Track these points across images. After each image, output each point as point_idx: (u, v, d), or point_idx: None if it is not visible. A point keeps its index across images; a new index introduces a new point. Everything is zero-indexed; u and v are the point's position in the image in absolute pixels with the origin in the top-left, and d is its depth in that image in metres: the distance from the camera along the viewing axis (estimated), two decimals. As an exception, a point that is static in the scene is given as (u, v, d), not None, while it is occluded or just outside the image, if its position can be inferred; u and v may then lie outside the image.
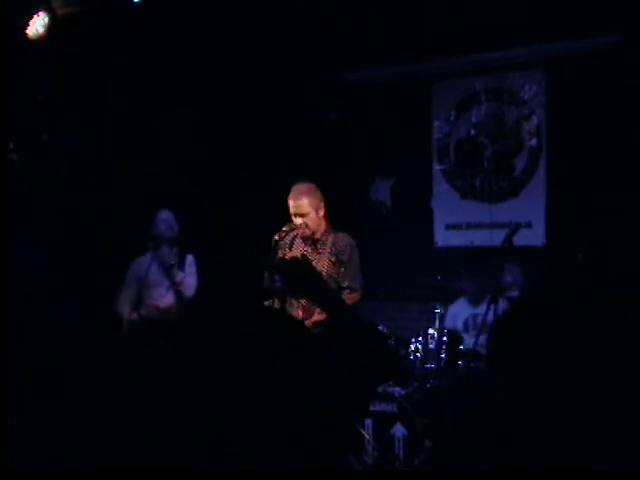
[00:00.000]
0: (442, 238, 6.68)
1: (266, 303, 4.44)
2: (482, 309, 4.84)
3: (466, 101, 6.53)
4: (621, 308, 1.45)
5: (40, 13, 5.51)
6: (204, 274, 5.48)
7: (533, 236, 6.14)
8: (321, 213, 4.57)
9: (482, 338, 4.71)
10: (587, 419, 1.33)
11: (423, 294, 6.23)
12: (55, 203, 5.89)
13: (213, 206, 6.47)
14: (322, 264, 4.53)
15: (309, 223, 4.52)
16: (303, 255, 4.54)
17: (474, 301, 5.55)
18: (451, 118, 6.61)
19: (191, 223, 5.60)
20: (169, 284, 5.35)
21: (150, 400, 1.40)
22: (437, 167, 6.70)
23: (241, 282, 5.07)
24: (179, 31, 5.87)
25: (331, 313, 4.42)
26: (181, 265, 5.40)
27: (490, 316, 4.37)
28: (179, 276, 5.37)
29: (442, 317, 5.30)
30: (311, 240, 4.59)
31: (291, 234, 4.63)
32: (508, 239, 4.58)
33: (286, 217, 4.58)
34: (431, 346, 4.88)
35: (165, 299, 5.34)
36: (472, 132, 6.52)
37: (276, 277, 4.36)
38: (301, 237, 4.64)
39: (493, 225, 6.27)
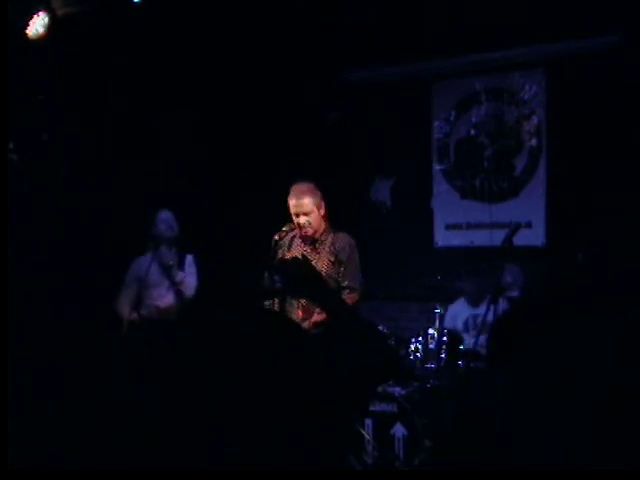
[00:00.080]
0: (442, 238, 6.68)
1: (266, 303, 4.44)
2: (482, 309, 4.85)
3: (466, 101, 6.53)
4: (621, 308, 1.45)
5: (40, 13, 5.51)
6: (204, 274, 5.48)
7: (533, 236, 6.14)
8: (322, 212, 4.57)
9: (482, 338, 4.71)
10: (587, 419, 1.33)
11: (423, 294, 6.23)
12: (55, 203, 5.89)
13: (213, 206, 6.47)
14: (321, 264, 4.53)
15: (312, 222, 4.53)
16: (303, 255, 4.54)
17: (474, 301, 5.55)
18: (451, 118, 6.61)
19: (191, 223, 5.60)
20: (169, 284, 5.35)
21: (150, 400, 1.40)
22: (437, 167, 6.70)
23: (241, 282, 5.07)
24: (179, 31, 5.88)
25: (331, 313, 4.42)
26: (181, 265, 5.40)
27: (490, 316, 4.37)
28: (179, 276, 5.38)
29: (442, 317, 5.30)
30: (310, 240, 4.59)
31: (290, 234, 4.63)
32: (508, 239, 4.58)
33: (286, 217, 4.58)
34: (431, 346, 4.88)
35: (165, 299, 5.34)
36: (472, 132, 6.52)
37: (276, 277, 4.36)
38: (300, 237, 4.64)
39: (493, 225, 6.27)
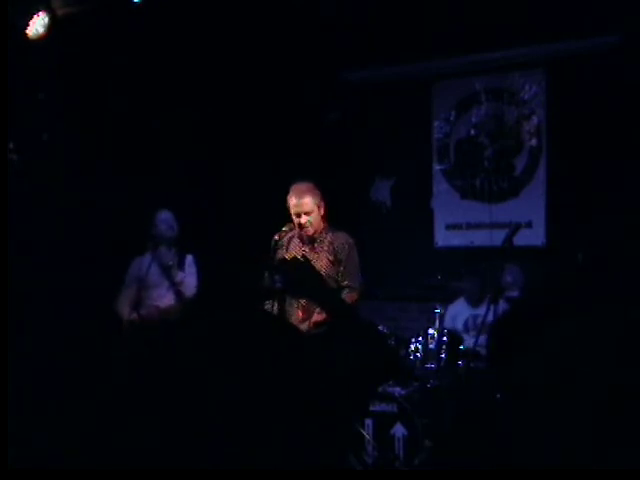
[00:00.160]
0: (442, 238, 6.68)
1: (266, 303, 4.44)
2: (482, 309, 4.85)
3: (466, 101, 6.53)
4: (621, 308, 1.45)
5: (40, 13, 5.51)
6: (204, 274, 5.48)
7: (533, 236, 6.15)
8: (322, 212, 4.57)
9: (482, 338, 4.71)
10: (587, 419, 1.33)
11: (423, 294, 6.23)
12: (55, 203, 5.88)
13: (213, 206, 6.47)
14: (320, 263, 4.52)
15: (312, 222, 4.53)
16: (303, 255, 4.54)
17: (474, 301, 5.55)
18: (451, 118, 6.61)
19: (191, 223, 5.60)
20: (169, 284, 5.35)
21: (150, 400, 1.40)
22: (437, 167, 6.70)
23: (241, 282, 5.07)
24: (179, 31, 5.87)
25: (331, 313, 4.42)
26: (181, 265, 5.40)
27: (490, 316, 4.37)
28: (179, 276, 5.37)
29: (442, 317, 5.30)
30: (309, 239, 4.59)
31: (289, 234, 4.63)
32: (508, 239, 4.58)
33: (286, 217, 4.58)
34: (431, 346, 4.88)
35: (165, 299, 5.34)
36: (472, 132, 6.52)
37: (276, 277, 4.36)
38: (298, 237, 4.64)
39: (493, 225, 6.27)
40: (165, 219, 5.41)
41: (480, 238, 6.39)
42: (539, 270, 5.61)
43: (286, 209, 4.58)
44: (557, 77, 6.11)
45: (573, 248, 5.51)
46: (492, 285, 4.63)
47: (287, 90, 6.45)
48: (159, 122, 6.33)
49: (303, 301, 4.52)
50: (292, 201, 4.54)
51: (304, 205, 4.51)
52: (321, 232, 4.60)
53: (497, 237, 5.34)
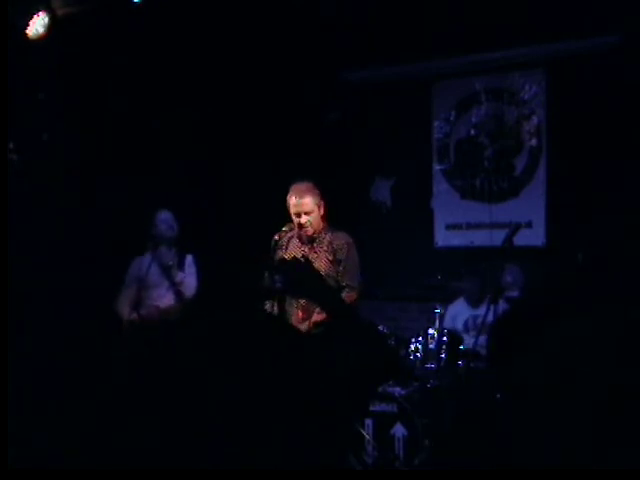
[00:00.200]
0: (442, 238, 6.68)
1: (267, 303, 4.44)
2: (482, 310, 4.85)
3: (466, 101, 6.53)
4: (621, 308, 1.45)
5: (40, 13, 5.51)
6: (204, 274, 5.48)
7: (533, 236, 6.14)
8: (322, 211, 4.57)
9: (482, 338, 4.71)
10: (587, 419, 1.33)
11: (423, 294, 6.23)
12: (55, 203, 5.88)
13: (213, 206, 6.47)
14: (319, 263, 4.52)
15: (312, 221, 4.53)
16: (303, 255, 4.54)
17: (474, 301, 5.55)
18: (451, 118, 6.61)
19: (191, 223, 5.60)
20: (169, 284, 5.34)
21: (150, 400, 1.40)
22: (437, 167, 6.70)
23: (241, 282, 5.07)
24: (179, 31, 5.87)
25: (331, 313, 4.42)
26: (181, 265, 5.39)
27: (490, 316, 4.37)
28: (179, 276, 5.37)
29: (442, 317, 5.30)
30: (308, 239, 4.59)
31: (289, 234, 4.63)
32: (508, 239, 4.58)
33: (286, 217, 4.58)
34: (431, 346, 4.88)
35: (165, 299, 5.34)
36: (472, 132, 6.52)
37: (276, 277, 4.36)
38: (297, 237, 4.64)
39: (493, 225, 6.27)
40: (165, 219, 5.41)
41: (480, 238, 6.39)
42: (539, 270, 5.62)
43: (286, 209, 4.58)
44: (557, 77, 6.10)
45: (573, 248, 5.51)
46: (492, 285, 4.62)
47: (287, 90, 6.45)
48: (159, 122, 6.32)
49: (303, 301, 4.52)
50: (292, 201, 4.54)
51: (304, 205, 4.51)
52: (320, 232, 4.60)
53: (497, 237, 5.34)
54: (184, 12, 5.74)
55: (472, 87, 6.49)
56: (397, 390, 4.63)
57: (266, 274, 4.46)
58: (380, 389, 4.64)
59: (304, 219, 4.51)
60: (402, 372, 4.80)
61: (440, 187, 6.69)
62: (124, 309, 5.28)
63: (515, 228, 4.71)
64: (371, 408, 4.58)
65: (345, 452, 4.25)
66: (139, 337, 5.11)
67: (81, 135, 6.13)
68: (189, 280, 5.41)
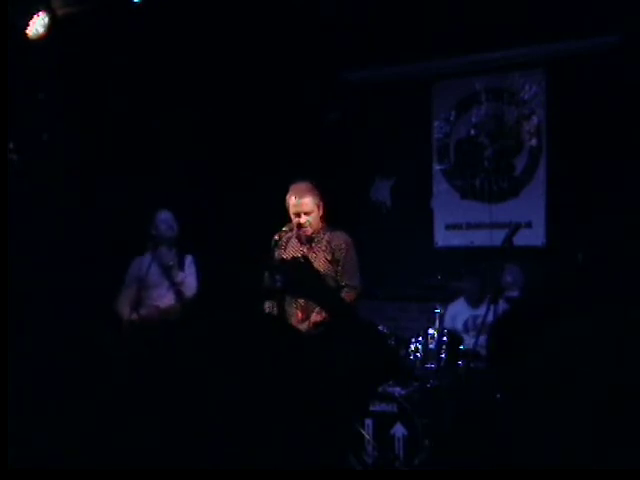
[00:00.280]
0: (442, 238, 6.68)
1: (266, 303, 4.44)
2: (482, 310, 4.85)
3: (466, 101, 6.53)
4: (621, 308, 1.45)
5: (40, 13, 5.51)
6: (204, 274, 5.48)
7: (533, 236, 6.14)
8: (321, 211, 4.57)
9: (482, 338, 4.71)
10: (587, 419, 1.33)
11: (423, 294, 6.24)
12: (55, 203, 5.88)
13: (213, 206, 6.47)
14: (318, 263, 4.52)
15: (312, 222, 4.53)
16: (303, 255, 4.54)
17: (474, 301, 5.55)
18: (451, 118, 6.61)
19: (191, 223, 5.60)
20: (169, 284, 5.35)
21: (150, 400, 1.40)
22: (437, 167, 6.70)
23: (241, 282, 5.07)
24: (179, 31, 5.87)
25: (331, 312, 4.42)
26: (181, 265, 5.40)
27: (490, 316, 4.37)
28: (179, 276, 5.38)
29: (442, 317, 5.30)
30: (306, 239, 4.59)
31: (288, 234, 4.63)
32: (508, 239, 4.58)
33: (286, 217, 4.58)
34: (431, 346, 4.88)
35: (165, 299, 5.34)
36: (472, 132, 6.52)
37: (276, 277, 4.36)
38: (296, 237, 4.64)
39: (493, 225, 6.27)
40: (165, 219, 5.41)
41: (480, 238, 6.39)
42: (539, 270, 5.61)
43: (286, 209, 4.58)
44: (557, 77, 6.10)
45: (573, 248, 5.51)
46: (492, 285, 4.63)
47: (287, 90, 6.45)
48: (159, 122, 6.33)
49: (302, 301, 4.52)
50: (292, 201, 4.54)
51: (304, 205, 4.51)
52: (319, 232, 4.60)
53: (497, 237, 5.34)
54: (184, 12, 5.74)
55: (472, 87, 6.49)
56: (397, 390, 4.63)
57: (266, 274, 4.47)
58: (380, 389, 4.64)
59: (303, 219, 4.51)
60: (402, 372, 4.81)
61: (440, 187, 6.69)
62: (124, 309, 5.28)
63: (515, 228, 4.71)
64: (371, 408, 4.58)
65: (345, 452, 4.25)
66: (139, 337, 5.11)
67: (81, 135, 6.13)
68: (189, 280, 5.41)
